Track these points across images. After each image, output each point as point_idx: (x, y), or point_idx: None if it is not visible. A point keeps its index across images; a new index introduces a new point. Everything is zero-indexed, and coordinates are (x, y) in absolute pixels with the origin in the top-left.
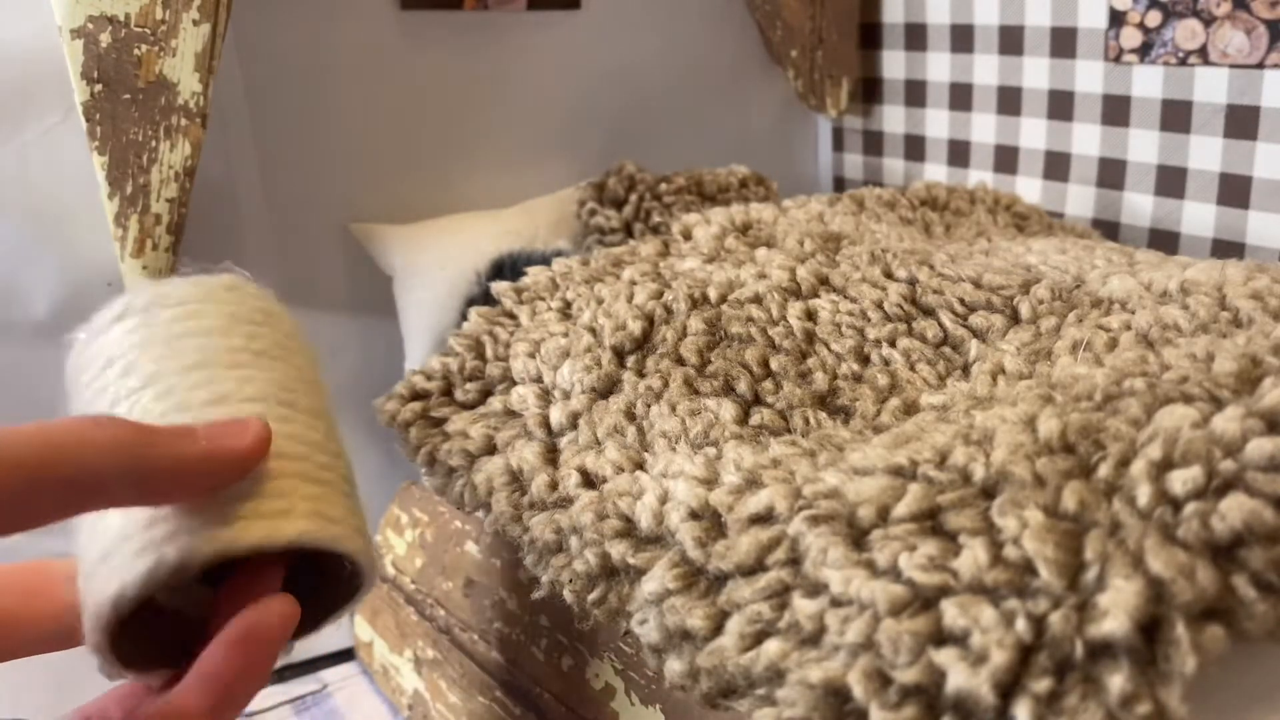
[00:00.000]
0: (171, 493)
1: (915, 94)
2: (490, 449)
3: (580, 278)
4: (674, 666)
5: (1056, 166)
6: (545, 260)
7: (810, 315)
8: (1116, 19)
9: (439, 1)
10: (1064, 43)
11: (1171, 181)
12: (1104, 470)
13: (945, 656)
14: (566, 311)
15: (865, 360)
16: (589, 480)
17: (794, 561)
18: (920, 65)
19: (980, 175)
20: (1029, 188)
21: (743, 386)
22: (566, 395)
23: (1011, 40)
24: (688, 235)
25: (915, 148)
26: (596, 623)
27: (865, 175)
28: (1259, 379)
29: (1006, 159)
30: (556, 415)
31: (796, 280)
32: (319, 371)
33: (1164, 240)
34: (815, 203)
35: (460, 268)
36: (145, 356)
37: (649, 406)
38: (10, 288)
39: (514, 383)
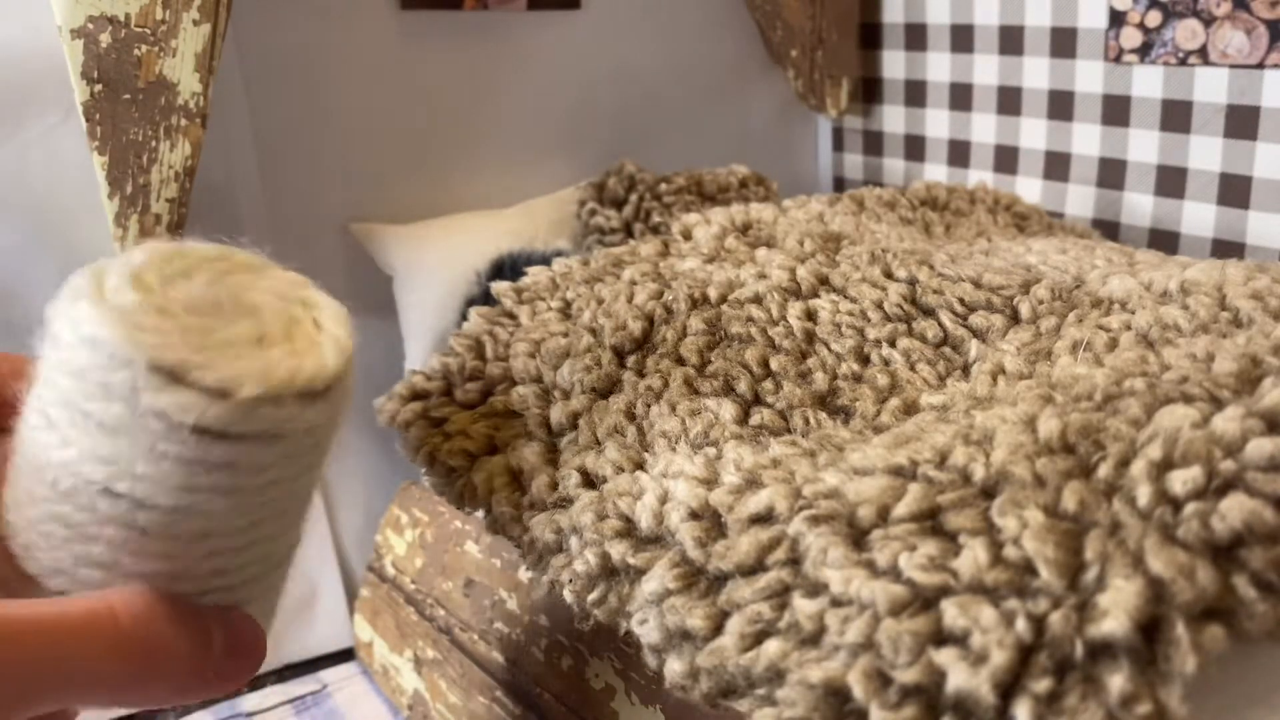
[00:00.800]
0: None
1: (915, 94)
2: (490, 449)
3: (580, 278)
4: (674, 666)
5: (1056, 166)
6: (545, 260)
7: (810, 315)
8: (1116, 19)
9: (439, 1)
10: (1064, 43)
11: (1171, 181)
12: (1104, 470)
13: (945, 656)
14: (566, 311)
15: (865, 360)
16: (589, 480)
17: (794, 561)
18: (920, 65)
19: (980, 175)
20: (1029, 188)
21: (743, 386)
22: (566, 395)
23: (1011, 40)
24: (688, 235)
25: (915, 148)
26: (596, 623)
27: (865, 175)
28: (1259, 379)
29: (1006, 159)
30: (556, 415)
31: (796, 280)
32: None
33: (1164, 240)
34: (815, 203)
35: (460, 268)
36: (165, 497)
37: (649, 406)
38: (10, 288)
39: (514, 383)
